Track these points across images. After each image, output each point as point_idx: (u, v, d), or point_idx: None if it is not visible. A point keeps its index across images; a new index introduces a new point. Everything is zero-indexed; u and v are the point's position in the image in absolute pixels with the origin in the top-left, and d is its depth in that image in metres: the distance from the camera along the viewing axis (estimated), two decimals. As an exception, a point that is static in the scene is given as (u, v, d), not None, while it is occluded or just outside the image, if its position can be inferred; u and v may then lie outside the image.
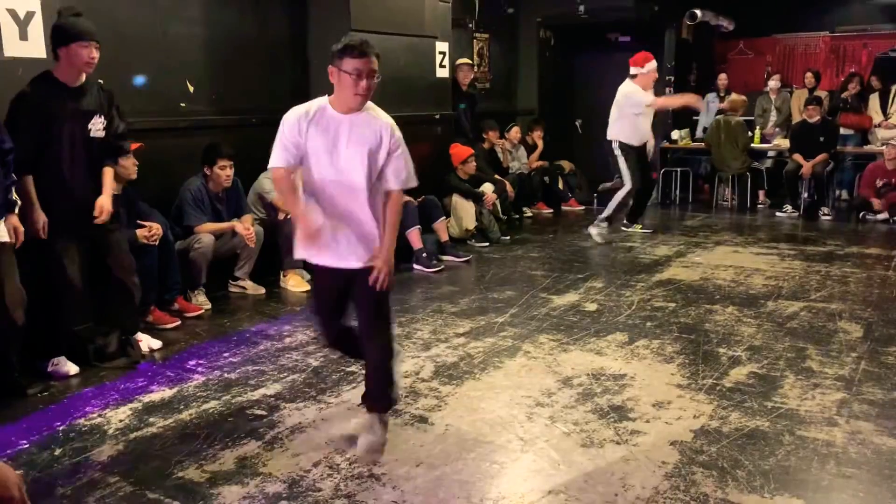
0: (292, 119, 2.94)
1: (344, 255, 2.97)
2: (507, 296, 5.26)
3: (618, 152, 7.22)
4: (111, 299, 4.09)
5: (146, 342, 4.23)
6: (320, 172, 2.92)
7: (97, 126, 3.81)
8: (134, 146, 4.50)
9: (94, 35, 3.72)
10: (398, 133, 2.96)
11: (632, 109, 7.10)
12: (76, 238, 3.83)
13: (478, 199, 7.26)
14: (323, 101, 2.94)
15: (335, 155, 2.89)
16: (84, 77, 3.77)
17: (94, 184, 3.87)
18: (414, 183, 3.01)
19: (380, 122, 2.92)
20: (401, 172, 2.94)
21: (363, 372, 3.74)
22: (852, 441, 3.00)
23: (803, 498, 2.58)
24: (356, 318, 3.12)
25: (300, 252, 3.04)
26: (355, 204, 2.92)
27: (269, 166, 3.01)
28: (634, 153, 7.22)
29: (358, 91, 2.82)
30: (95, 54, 3.72)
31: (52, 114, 3.66)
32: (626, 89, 7.17)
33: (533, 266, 6.24)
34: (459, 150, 7.19)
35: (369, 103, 2.94)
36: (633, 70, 7.18)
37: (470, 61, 8.25)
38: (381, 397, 3.05)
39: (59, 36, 3.67)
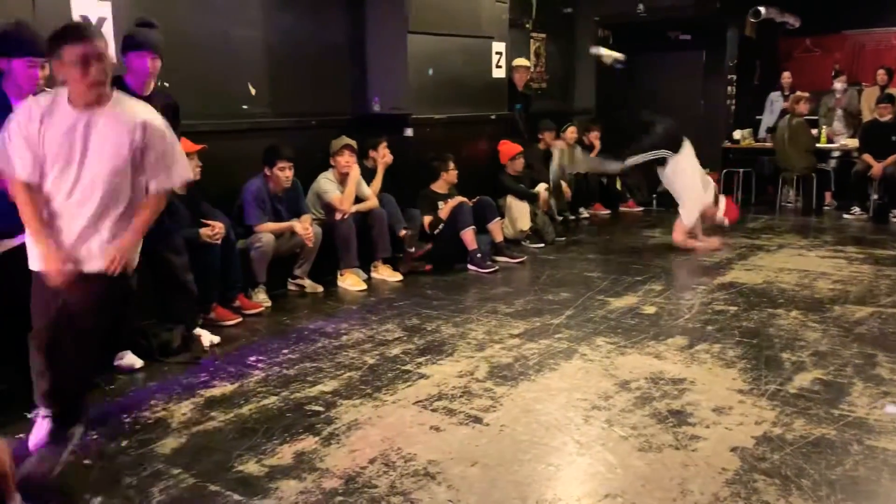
0: None
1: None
2: (562, 297, 5.22)
3: None
4: (170, 297, 4.21)
5: (205, 337, 4.33)
6: None
7: None
8: (196, 147, 4.63)
9: (154, 46, 3.84)
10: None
11: None
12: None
13: (532, 199, 7.23)
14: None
15: None
16: (152, 85, 3.90)
17: None
18: None
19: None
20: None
21: (418, 370, 3.78)
22: (925, 452, 2.89)
23: (872, 509, 2.50)
24: None
25: None
26: None
27: None
28: None
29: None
30: (153, 65, 3.85)
31: None
32: None
33: (589, 268, 6.18)
34: (507, 148, 7.17)
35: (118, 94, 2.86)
36: None
37: (527, 63, 8.22)
38: None
39: (123, 45, 3.84)
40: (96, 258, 2.87)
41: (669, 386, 3.59)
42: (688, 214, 6.69)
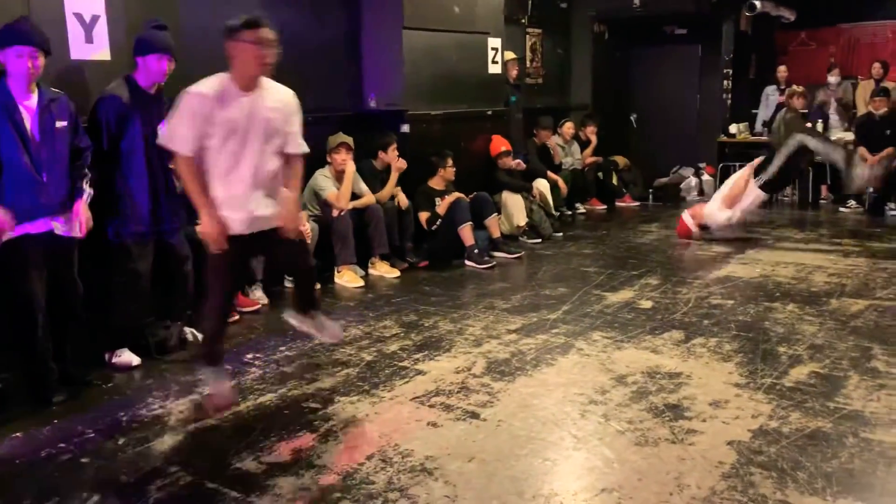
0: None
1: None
2: (559, 292, 5.22)
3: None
4: (172, 289, 4.22)
5: (191, 335, 4.32)
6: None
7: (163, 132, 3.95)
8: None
9: (171, 49, 3.92)
10: None
11: None
12: (143, 236, 3.96)
13: (528, 190, 7.24)
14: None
15: None
16: (159, 85, 3.98)
17: (169, 183, 4.03)
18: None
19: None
20: None
21: (415, 367, 3.78)
22: (921, 444, 2.90)
23: (868, 501, 2.50)
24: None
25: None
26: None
27: None
28: None
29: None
30: (169, 67, 3.92)
31: (130, 115, 3.86)
32: None
33: (586, 263, 6.19)
34: (495, 144, 7.16)
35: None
36: None
37: (513, 55, 8.14)
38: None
39: (139, 47, 3.89)
40: (272, 216, 3.30)
41: (666, 380, 3.60)
42: None
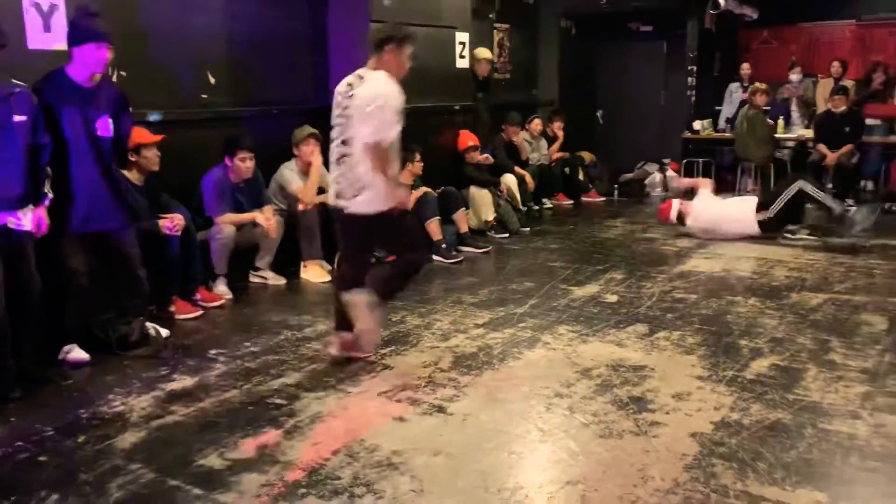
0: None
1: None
2: (526, 287, 5.25)
3: None
4: (122, 289, 4.13)
5: (153, 331, 4.25)
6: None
7: (106, 126, 3.83)
8: (154, 139, 4.55)
9: (108, 37, 3.73)
10: None
11: None
12: (80, 234, 3.86)
13: (496, 185, 7.26)
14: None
15: None
16: (97, 76, 3.80)
17: (108, 182, 3.90)
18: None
19: None
20: None
21: (382, 361, 3.76)
22: (876, 434, 2.97)
23: (826, 491, 2.56)
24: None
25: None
26: None
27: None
28: None
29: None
30: (107, 55, 3.75)
31: (61, 112, 3.68)
32: None
33: (553, 257, 6.22)
34: (463, 139, 7.17)
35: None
36: None
37: (489, 55, 8.16)
38: None
39: (73, 36, 3.69)
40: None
41: (630, 373, 3.64)
42: None
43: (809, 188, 6.61)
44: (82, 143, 3.75)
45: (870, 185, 9.32)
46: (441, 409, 3.27)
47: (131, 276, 4.09)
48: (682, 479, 2.64)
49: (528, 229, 7.32)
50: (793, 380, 3.53)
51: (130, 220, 4.06)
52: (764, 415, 3.15)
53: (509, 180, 7.60)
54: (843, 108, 8.39)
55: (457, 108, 7.24)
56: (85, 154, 3.78)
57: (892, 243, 6.53)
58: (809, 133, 8.91)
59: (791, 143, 9.42)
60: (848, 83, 9.14)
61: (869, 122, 8.75)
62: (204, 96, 5.44)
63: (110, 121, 3.85)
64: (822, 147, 8.46)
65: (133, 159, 4.48)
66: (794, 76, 9.62)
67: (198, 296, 4.85)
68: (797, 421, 3.09)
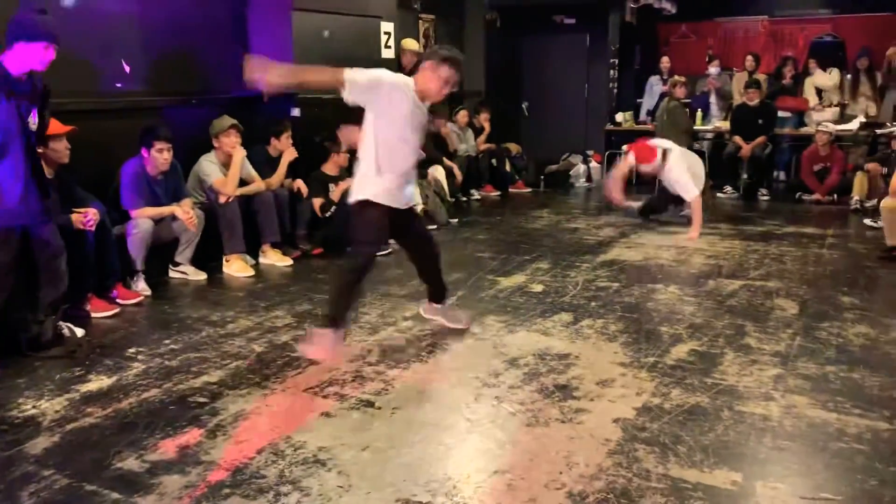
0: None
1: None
2: (454, 278, 5.26)
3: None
4: (40, 284, 3.94)
5: (67, 330, 4.09)
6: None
7: (33, 119, 3.67)
8: (65, 129, 4.35)
9: (57, 38, 3.60)
10: None
11: None
12: (9, 228, 3.68)
13: (423, 177, 7.25)
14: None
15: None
16: (31, 70, 3.64)
17: (35, 175, 3.72)
18: None
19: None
20: None
21: (307, 360, 3.70)
22: (787, 415, 3.10)
23: (741, 471, 2.65)
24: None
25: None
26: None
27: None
28: None
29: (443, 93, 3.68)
30: (53, 56, 3.61)
31: None
32: None
33: (480, 248, 6.26)
34: None
35: None
36: None
37: (416, 46, 8.15)
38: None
39: (24, 32, 3.53)
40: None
41: (556, 361, 3.70)
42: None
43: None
44: (14, 135, 3.57)
45: (782, 176, 9.74)
46: (369, 404, 3.24)
47: (52, 269, 3.90)
48: (606, 464, 2.70)
49: (455, 221, 7.35)
50: (711, 364, 3.65)
51: (50, 213, 3.89)
52: (684, 399, 3.25)
53: (437, 172, 7.61)
54: (757, 100, 8.72)
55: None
56: (18, 146, 3.60)
57: (803, 231, 6.84)
58: (727, 125, 9.23)
59: (709, 135, 9.74)
60: (761, 77, 9.50)
61: (781, 114, 9.13)
62: (119, 85, 5.24)
63: (36, 113, 3.69)
64: (737, 139, 8.78)
65: (41, 151, 4.27)
66: (713, 69, 9.95)
67: (115, 293, 4.67)
68: (715, 404, 3.20)
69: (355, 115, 3.75)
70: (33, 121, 3.68)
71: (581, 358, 3.75)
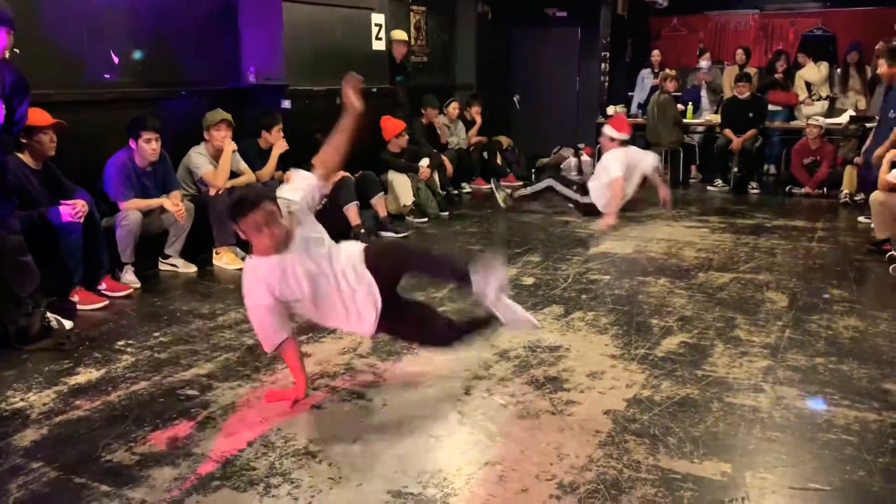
0: None
1: None
2: (445, 271, 5.24)
3: None
4: (8, 278, 3.89)
5: (55, 322, 4.05)
6: None
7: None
8: (50, 122, 4.31)
9: (10, 21, 3.54)
10: None
11: None
12: None
13: (414, 171, 7.23)
14: None
15: None
16: None
17: None
18: None
19: None
20: None
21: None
22: (777, 406, 3.11)
23: (731, 462, 2.66)
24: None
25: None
26: None
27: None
28: None
29: None
30: (9, 41, 3.55)
31: None
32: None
33: (471, 241, 6.25)
34: (391, 125, 7.11)
35: None
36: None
37: (404, 36, 8.12)
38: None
39: None
40: None
41: (546, 353, 3.70)
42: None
43: (558, 187, 7.36)
44: None
45: (772, 169, 9.77)
46: (360, 396, 3.24)
47: (17, 263, 3.86)
48: (597, 455, 2.70)
49: (446, 213, 7.33)
50: (701, 356, 3.66)
51: (13, 207, 3.84)
52: (674, 391, 3.26)
53: (425, 164, 7.56)
54: (747, 94, 8.73)
55: (374, 90, 7.15)
56: None
57: (792, 224, 6.86)
58: (717, 118, 9.25)
59: (700, 129, 9.76)
60: (751, 70, 9.52)
61: (771, 108, 9.15)
62: (107, 76, 5.20)
63: (3, 105, 3.63)
64: (727, 132, 8.80)
65: (24, 142, 4.24)
66: (704, 62, 9.96)
67: (103, 285, 4.64)
68: (705, 396, 3.21)
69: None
70: None
71: (572, 350, 3.75)
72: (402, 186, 7.05)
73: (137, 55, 5.38)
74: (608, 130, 7.26)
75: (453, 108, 8.73)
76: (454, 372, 3.48)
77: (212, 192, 5.32)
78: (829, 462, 2.66)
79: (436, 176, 7.63)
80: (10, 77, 3.68)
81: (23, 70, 3.86)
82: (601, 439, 2.82)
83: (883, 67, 6.65)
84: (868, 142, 6.94)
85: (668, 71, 9.40)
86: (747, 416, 3.02)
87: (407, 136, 7.19)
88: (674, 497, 2.43)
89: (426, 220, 7.07)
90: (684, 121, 9.40)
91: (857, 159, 7.63)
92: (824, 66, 9.26)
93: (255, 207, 2.91)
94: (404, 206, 7.04)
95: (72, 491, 2.51)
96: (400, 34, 7.94)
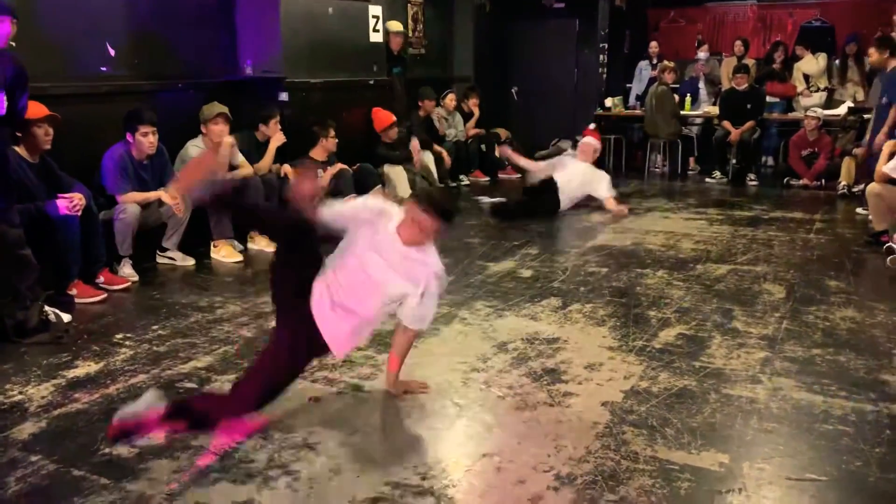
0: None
1: None
2: (443, 263, 5.23)
3: None
4: (8, 272, 3.89)
5: (53, 316, 4.05)
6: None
7: (0, 103, 3.60)
8: (44, 114, 4.29)
9: (10, 10, 3.54)
10: None
11: None
12: None
13: (409, 160, 7.23)
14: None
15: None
16: None
17: None
18: None
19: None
20: None
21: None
22: (774, 397, 3.12)
23: (728, 452, 2.67)
24: None
25: None
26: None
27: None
28: None
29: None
30: (11, 30, 3.53)
31: None
32: None
33: (469, 234, 6.25)
34: (381, 117, 7.09)
35: None
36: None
37: (400, 27, 8.09)
38: None
39: None
40: None
41: (544, 345, 3.70)
42: None
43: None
44: None
45: (770, 161, 9.77)
46: (358, 388, 3.24)
47: (16, 257, 3.86)
48: (594, 447, 2.71)
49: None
50: (698, 348, 3.67)
51: (13, 201, 3.83)
52: (671, 382, 3.26)
53: (426, 157, 7.58)
54: (746, 85, 8.72)
55: (371, 82, 7.15)
56: None
57: (790, 216, 6.87)
58: (716, 110, 9.24)
59: (699, 120, 9.75)
60: (749, 62, 9.50)
61: (769, 99, 9.14)
62: (104, 69, 5.18)
63: (4, 98, 3.62)
64: (726, 123, 8.79)
65: (20, 135, 4.22)
66: (702, 54, 9.94)
67: (101, 278, 4.64)
68: (702, 387, 3.21)
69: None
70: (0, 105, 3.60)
71: (569, 342, 3.76)
72: (398, 179, 7.05)
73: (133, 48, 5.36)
74: (593, 142, 7.29)
75: (450, 99, 8.72)
76: (452, 364, 3.49)
77: (209, 185, 5.31)
78: (825, 452, 2.67)
79: (432, 165, 7.62)
80: (10, 69, 3.67)
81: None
82: (599, 431, 2.83)
83: (873, 55, 6.69)
84: (868, 133, 6.95)
85: (666, 63, 9.38)
86: (745, 408, 3.02)
87: (397, 129, 7.16)
88: (671, 488, 2.44)
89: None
90: (682, 112, 9.39)
91: (857, 150, 7.63)
92: (823, 58, 9.25)
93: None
94: (402, 199, 7.04)
95: (70, 483, 2.52)
96: (396, 25, 7.91)
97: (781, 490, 2.46)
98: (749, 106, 8.69)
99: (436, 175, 7.69)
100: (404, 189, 7.03)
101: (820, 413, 2.97)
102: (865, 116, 8.06)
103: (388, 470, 2.57)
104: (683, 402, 3.07)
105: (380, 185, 6.56)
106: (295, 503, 2.40)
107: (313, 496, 2.43)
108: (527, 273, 5.01)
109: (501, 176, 9.28)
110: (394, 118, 7.12)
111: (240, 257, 5.42)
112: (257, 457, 2.67)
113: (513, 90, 11.02)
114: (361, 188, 6.30)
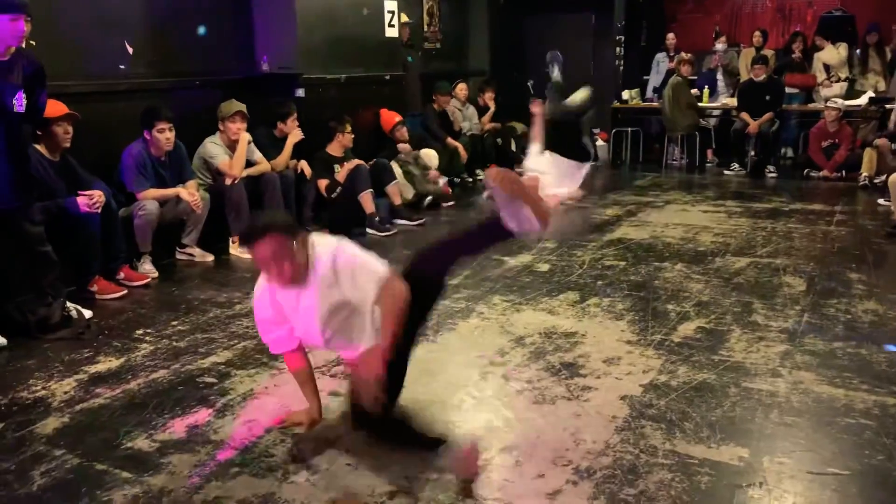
0: None
1: None
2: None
3: None
4: (30, 269, 3.94)
5: (75, 312, 4.10)
6: None
7: (20, 101, 3.63)
8: (62, 112, 4.32)
9: (25, 8, 3.54)
10: None
11: None
12: None
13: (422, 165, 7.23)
14: None
15: None
16: (13, 49, 3.59)
17: (14, 159, 3.69)
18: None
19: None
20: None
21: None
22: (794, 391, 3.09)
23: (748, 447, 2.66)
24: None
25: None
26: None
27: None
28: None
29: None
30: (25, 28, 3.55)
31: None
32: None
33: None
34: (388, 117, 7.05)
35: None
36: None
37: (406, 18, 8.01)
38: None
39: None
40: None
41: (562, 340, 3.70)
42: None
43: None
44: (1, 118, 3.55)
45: (789, 153, 9.67)
46: (376, 382, 3.25)
47: (37, 254, 3.90)
48: (613, 441, 2.71)
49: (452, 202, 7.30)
50: (717, 341, 3.64)
51: (34, 198, 3.87)
52: (690, 376, 3.25)
53: (425, 154, 7.46)
54: (764, 76, 8.63)
55: (387, 77, 7.15)
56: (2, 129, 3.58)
57: (810, 208, 6.80)
58: (734, 102, 9.15)
59: (717, 112, 9.67)
60: (768, 53, 9.40)
61: (788, 90, 9.04)
62: (122, 67, 5.22)
63: (24, 96, 3.65)
64: (744, 115, 8.71)
65: (40, 133, 4.27)
66: (720, 45, 9.85)
67: (121, 275, 4.68)
68: (721, 381, 3.19)
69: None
70: (18, 104, 3.62)
71: (587, 336, 3.74)
72: (430, 158, 7.10)
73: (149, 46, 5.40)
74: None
75: (460, 88, 8.60)
76: (469, 358, 3.49)
77: (227, 182, 5.35)
78: (847, 446, 2.65)
79: (433, 160, 7.45)
80: (29, 67, 3.70)
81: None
82: (618, 425, 2.82)
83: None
84: (891, 122, 6.86)
85: (683, 55, 9.30)
86: (764, 401, 3.00)
87: (405, 129, 7.12)
88: (691, 482, 2.43)
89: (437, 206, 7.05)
90: (700, 104, 9.31)
91: (878, 141, 7.53)
92: (843, 48, 9.13)
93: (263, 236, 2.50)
94: (415, 195, 6.99)
95: (94, 477, 2.55)
96: (402, 17, 7.86)
97: (803, 484, 2.44)
98: (768, 97, 8.60)
99: (434, 166, 7.52)
100: (407, 191, 6.93)
101: (841, 407, 2.95)
102: (887, 107, 7.96)
103: (406, 464, 2.58)
104: (703, 396, 3.05)
105: (396, 180, 6.56)
106: (315, 496, 2.42)
107: (333, 490, 2.45)
108: (544, 267, 4.99)
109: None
110: (399, 117, 7.09)
111: (258, 253, 5.43)
112: (277, 451, 2.69)
113: (529, 83, 10.96)
114: (377, 183, 6.31)
